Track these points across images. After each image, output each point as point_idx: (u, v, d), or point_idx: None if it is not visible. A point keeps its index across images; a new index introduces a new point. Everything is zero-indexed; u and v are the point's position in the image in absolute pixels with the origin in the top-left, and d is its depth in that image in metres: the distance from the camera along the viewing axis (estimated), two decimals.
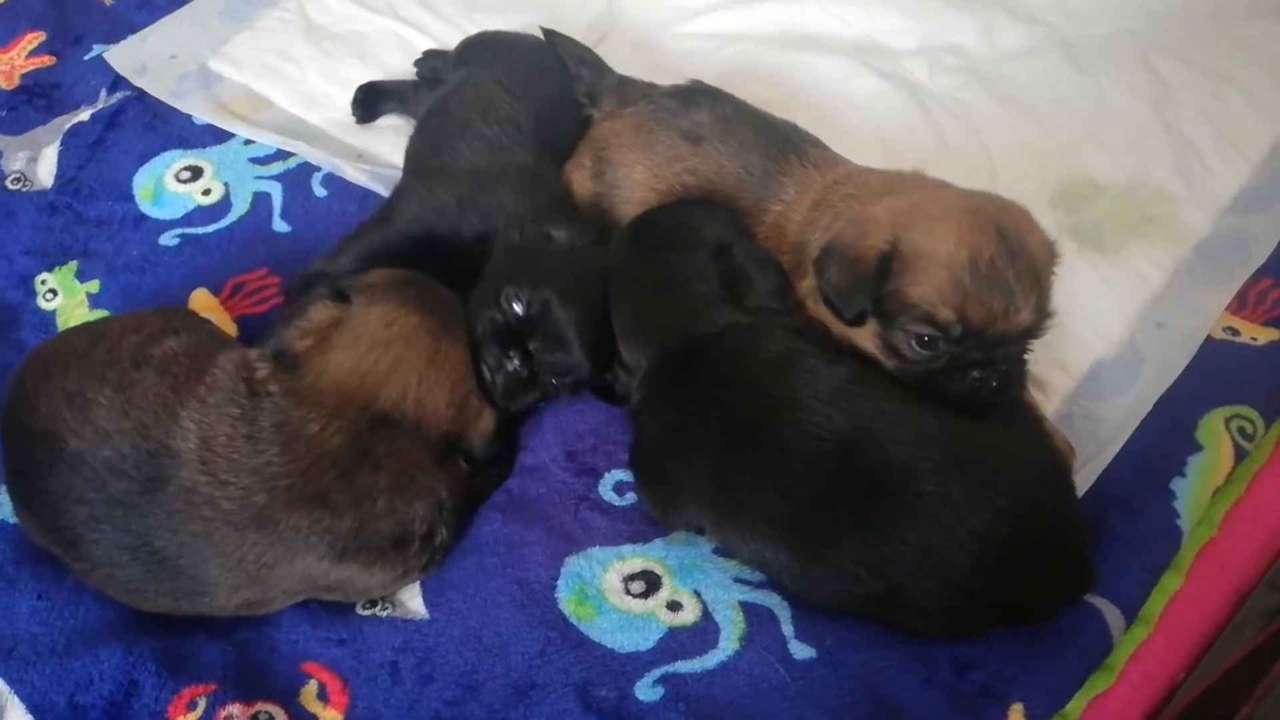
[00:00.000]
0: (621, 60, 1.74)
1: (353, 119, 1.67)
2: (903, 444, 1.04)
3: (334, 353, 1.12)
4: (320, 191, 1.56)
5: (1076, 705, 1.07)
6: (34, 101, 1.72)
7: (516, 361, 1.19)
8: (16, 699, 1.09)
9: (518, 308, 1.20)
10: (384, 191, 1.54)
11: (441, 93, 1.54)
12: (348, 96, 1.68)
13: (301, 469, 1.06)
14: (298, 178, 1.58)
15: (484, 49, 1.58)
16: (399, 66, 1.73)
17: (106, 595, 1.14)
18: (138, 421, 1.08)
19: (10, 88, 1.75)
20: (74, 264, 1.50)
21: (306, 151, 1.60)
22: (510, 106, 1.44)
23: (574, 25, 1.77)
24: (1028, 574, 1.04)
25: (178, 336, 1.17)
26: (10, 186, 1.60)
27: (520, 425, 1.29)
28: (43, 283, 1.48)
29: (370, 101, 1.67)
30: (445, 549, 1.16)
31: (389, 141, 1.62)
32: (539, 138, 1.43)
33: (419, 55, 1.72)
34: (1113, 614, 1.10)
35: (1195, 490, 1.19)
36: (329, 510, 1.06)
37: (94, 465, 1.06)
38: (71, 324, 1.42)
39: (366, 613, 1.16)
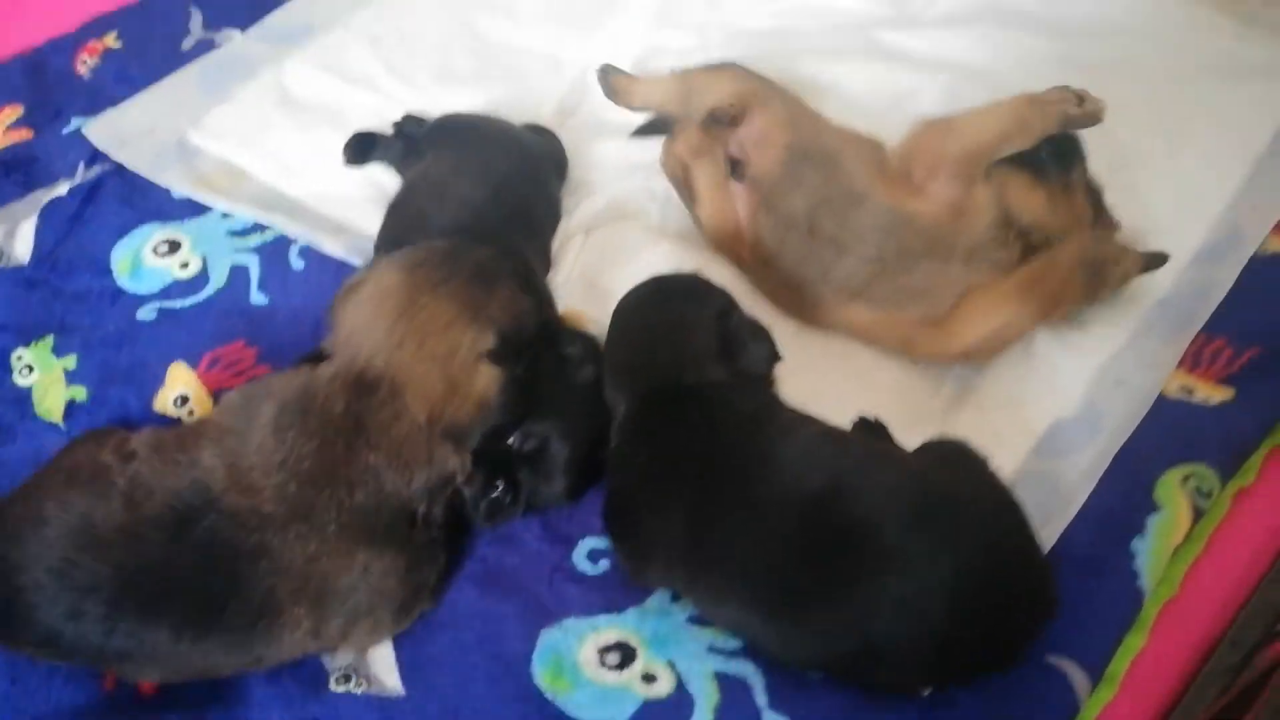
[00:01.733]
0: (595, 128, 1.80)
1: (329, 191, 1.69)
2: (869, 501, 1.07)
3: (342, 308, 1.18)
4: (298, 263, 1.59)
5: None
6: (11, 176, 1.74)
7: (501, 489, 1.22)
8: None
9: (513, 440, 1.22)
10: (361, 263, 1.56)
11: (403, 186, 1.59)
12: (325, 167, 1.72)
13: (316, 446, 1.09)
14: (275, 250, 1.60)
15: (442, 136, 1.62)
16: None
17: (80, 679, 1.15)
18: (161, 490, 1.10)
19: None
20: (50, 339, 1.51)
21: (284, 224, 1.62)
22: (466, 190, 1.47)
23: (544, 98, 1.82)
24: (999, 614, 1.07)
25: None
26: None
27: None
28: (19, 358, 1.49)
29: (362, 147, 1.71)
30: (440, 549, 1.19)
31: (367, 213, 1.64)
32: (498, 216, 1.45)
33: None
34: (1077, 675, 1.12)
35: (1155, 549, 1.22)
36: (344, 486, 1.09)
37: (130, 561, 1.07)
38: (49, 399, 1.43)
39: (341, 689, 1.16)
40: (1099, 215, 1.47)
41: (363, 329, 1.15)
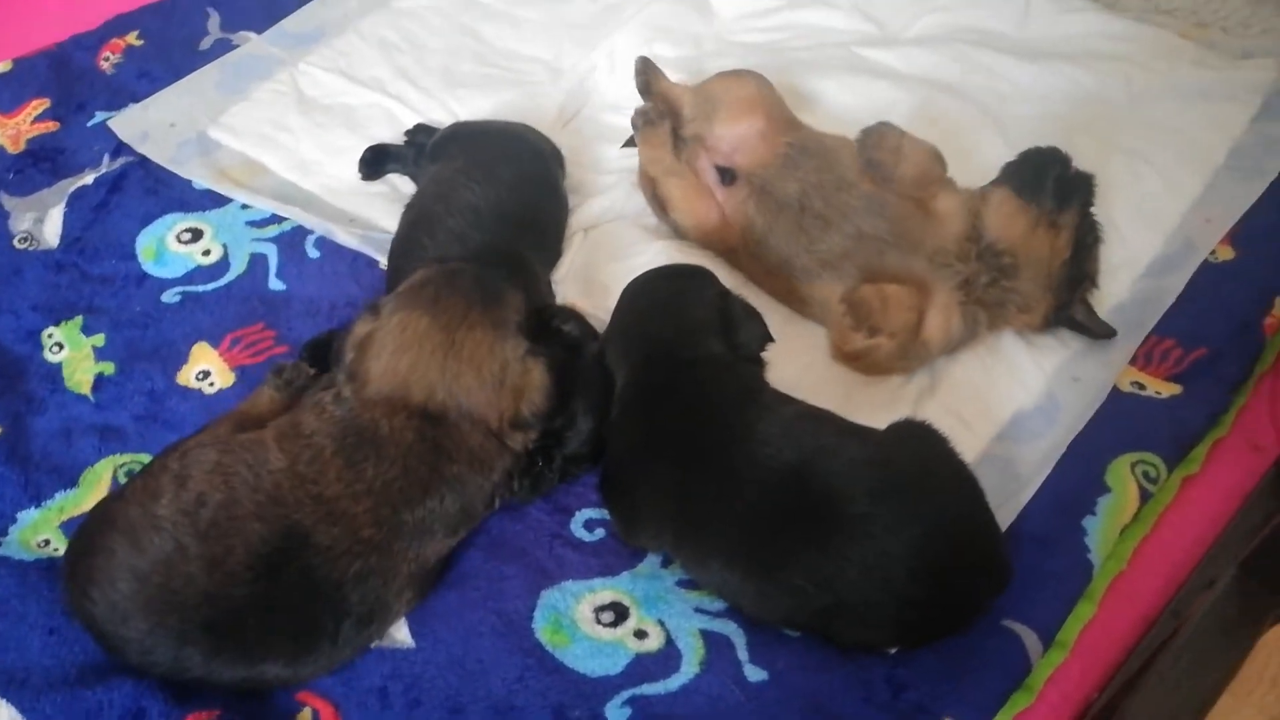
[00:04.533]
0: (594, 133, 1.91)
1: (343, 185, 1.79)
2: (840, 473, 1.19)
3: (370, 361, 1.26)
4: (313, 253, 1.68)
5: None
6: (40, 165, 1.83)
7: (541, 464, 1.34)
8: None
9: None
10: (374, 253, 1.67)
11: (416, 193, 1.67)
12: (339, 164, 1.82)
13: (401, 470, 1.20)
14: (292, 240, 1.70)
15: (451, 142, 1.70)
16: (386, 138, 1.86)
17: None
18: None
19: (16, 151, 1.85)
20: (79, 319, 1.60)
21: (300, 216, 1.72)
22: (472, 194, 1.55)
23: (548, 103, 1.93)
24: (956, 578, 1.18)
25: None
26: (18, 246, 1.70)
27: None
28: (49, 336, 1.58)
29: (376, 161, 1.80)
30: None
31: (379, 207, 1.75)
32: (502, 218, 1.54)
33: (404, 127, 1.86)
34: (1031, 639, 1.23)
35: (1104, 528, 1.33)
36: (437, 499, 1.21)
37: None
38: (77, 376, 1.52)
39: None
40: (1078, 261, 1.52)
41: (410, 370, 1.24)
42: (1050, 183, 1.50)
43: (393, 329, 1.26)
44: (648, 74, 1.77)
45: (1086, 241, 1.54)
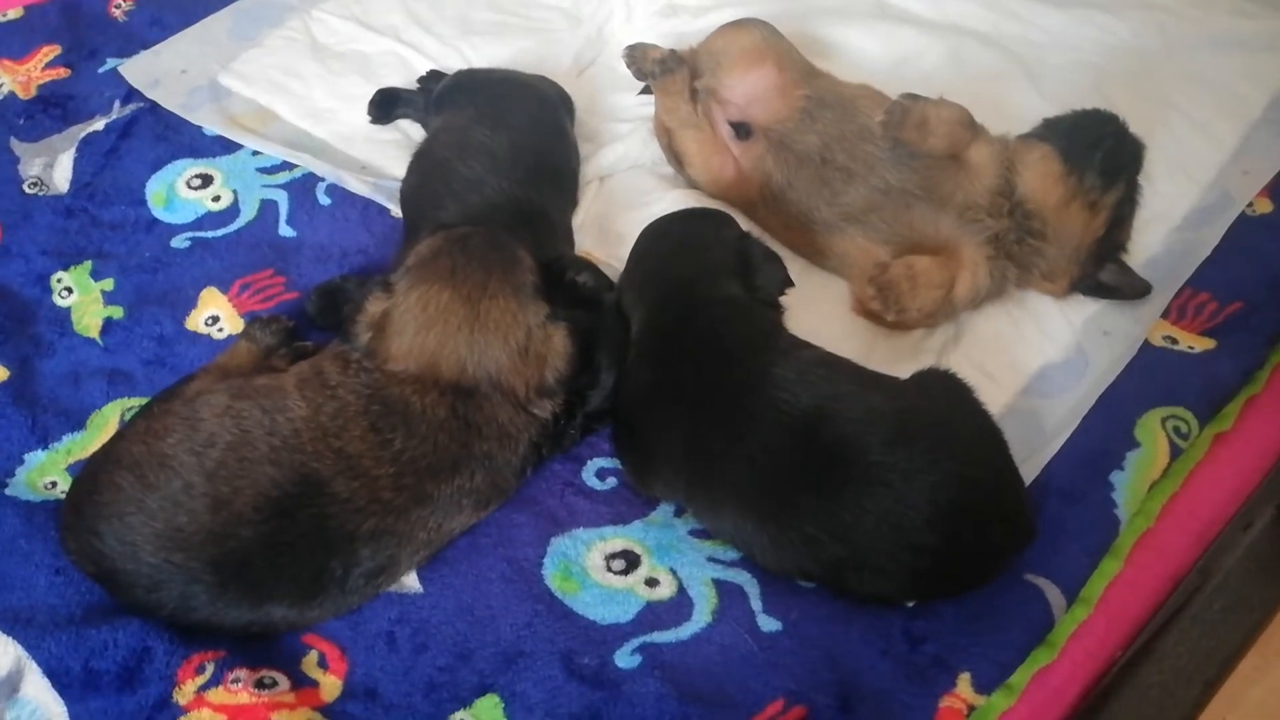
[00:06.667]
0: (610, 81, 1.87)
1: (355, 133, 1.76)
2: (856, 420, 1.15)
3: (391, 340, 1.23)
4: (324, 200, 1.65)
5: (1021, 677, 1.16)
6: (50, 111, 1.80)
7: (564, 422, 1.31)
8: (34, 664, 1.16)
9: None
10: (385, 201, 1.63)
11: (424, 139, 1.64)
12: (351, 112, 1.78)
13: (431, 446, 1.18)
14: (303, 187, 1.67)
15: (458, 90, 1.67)
16: (399, 85, 1.81)
17: None
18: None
19: (27, 97, 1.83)
20: (89, 264, 1.57)
21: (311, 163, 1.69)
22: (485, 138, 1.52)
23: (564, 51, 1.89)
24: (975, 531, 1.14)
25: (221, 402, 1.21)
26: (28, 190, 1.68)
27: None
28: (58, 280, 1.56)
29: (387, 105, 1.76)
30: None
31: (390, 155, 1.71)
32: (518, 164, 1.51)
33: (418, 75, 1.82)
34: (1054, 594, 1.19)
35: (1133, 483, 1.29)
36: (466, 475, 1.20)
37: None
38: (86, 320, 1.50)
39: None
40: (1111, 236, 1.47)
41: (439, 347, 1.22)
42: (1099, 157, 1.43)
43: (413, 306, 1.23)
44: (639, 61, 1.71)
45: (1123, 214, 1.48)
